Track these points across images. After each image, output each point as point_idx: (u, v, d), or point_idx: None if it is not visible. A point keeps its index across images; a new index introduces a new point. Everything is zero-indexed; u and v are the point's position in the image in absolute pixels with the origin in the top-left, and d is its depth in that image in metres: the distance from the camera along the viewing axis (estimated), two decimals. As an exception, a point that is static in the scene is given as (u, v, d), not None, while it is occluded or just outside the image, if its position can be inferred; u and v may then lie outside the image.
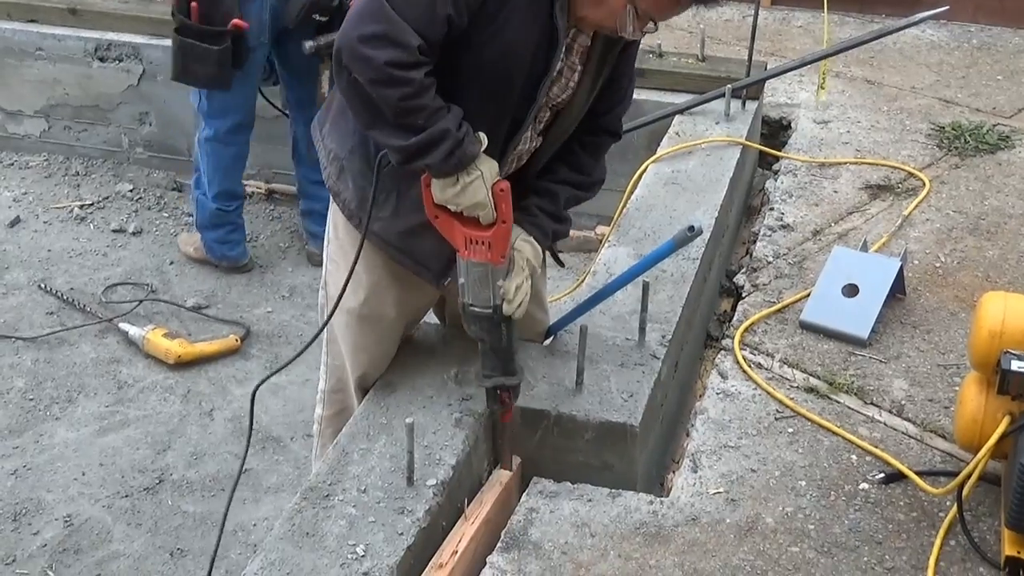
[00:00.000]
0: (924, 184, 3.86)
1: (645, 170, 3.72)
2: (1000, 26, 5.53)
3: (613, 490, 2.42)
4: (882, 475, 2.50)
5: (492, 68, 2.12)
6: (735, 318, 3.14)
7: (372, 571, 2.06)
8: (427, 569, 2.18)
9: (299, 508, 2.21)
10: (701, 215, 3.38)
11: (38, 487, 3.40)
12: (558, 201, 2.38)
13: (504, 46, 2.09)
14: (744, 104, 4.18)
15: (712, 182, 3.61)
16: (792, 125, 4.44)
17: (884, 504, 2.42)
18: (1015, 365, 2.16)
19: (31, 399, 3.79)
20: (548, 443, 2.52)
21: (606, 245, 3.28)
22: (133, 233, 4.80)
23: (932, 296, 3.21)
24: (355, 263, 2.27)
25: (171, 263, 4.60)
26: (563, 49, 2.16)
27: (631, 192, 3.59)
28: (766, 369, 2.90)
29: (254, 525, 3.27)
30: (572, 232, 2.49)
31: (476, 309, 2.25)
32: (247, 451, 2.37)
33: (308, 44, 3.94)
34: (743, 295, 3.26)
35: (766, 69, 4.38)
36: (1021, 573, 2.18)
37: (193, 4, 3.92)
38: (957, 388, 2.62)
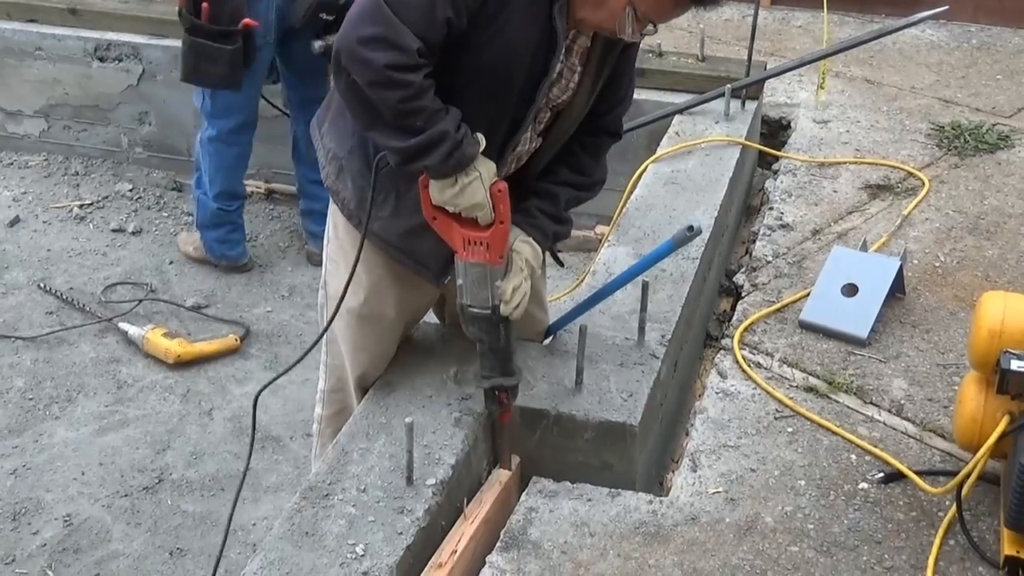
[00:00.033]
0: (924, 184, 3.86)
1: (645, 170, 3.72)
2: (1000, 26, 5.54)
3: (612, 490, 2.42)
4: (881, 474, 2.50)
5: (491, 69, 2.12)
6: (734, 318, 3.14)
7: (371, 570, 2.06)
8: (426, 568, 2.18)
9: (299, 507, 2.21)
10: (701, 215, 3.38)
11: (37, 487, 3.40)
12: (558, 203, 2.37)
13: (503, 47, 2.09)
14: (744, 104, 4.18)
15: (712, 182, 3.61)
16: (792, 125, 4.44)
17: (883, 503, 2.42)
18: (1014, 364, 2.16)
19: (30, 399, 3.79)
20: (547, 443, 2.52)
21: (606, 245, 3.28)
22: (132, 233, 4.80)
23: (931, 296, 3.22)
24: (356, 263, 2.27)
25: (171, 263, 4.60)
26: (562, 51, 2.16)
27: (631, 192, 3.59)
28: (765, 369, 2.90)
29: (253, 524, 3.27)
30: (572, 232, 2.49)
31: (474, 310, 2.25)
32: (250, 455, 2.37)
33: (317, 44, 3.93)
34: (742, 295, 3.26)
35: (766, 69, 4.39)
36: (1020, 573, 2.18)
37: (204, 4, 3.91)
38: (956, 388, 2.62)
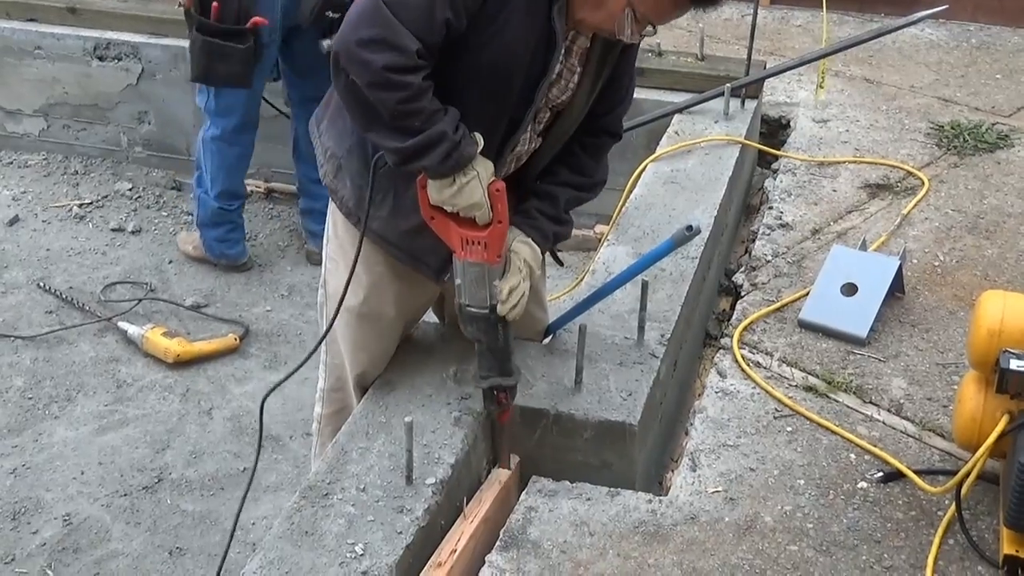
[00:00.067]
0: (923, 183, 3.86)
1: (644, 169, 3.72)
2: (999, 25, 5.54)
3: (612, 489, 2.42)
4: (881, 474, 2.50)
5: (491, 70, 2.11)
6: (734, 317, 3.14)
7: (371, 570, 2.06)
8: (426, 568, 2.18)
9: (298, 507, 2.21)
10: (700, 214, 3.38)
11: (37, 486, 3.40)
12: (558, 203, 2.37)
13: (503, 48, 2.08)
14: (743, 103, 4.18)
15: (711, 181, 3.61)
16: (791, 124, 4.44)
17: (883, 503, 2.42)
18: (1014, 364, 2.16)
19: (30, 398, 3.79)
20: (547, 442, 2.52)
21: (605, 244, 3.28)
22: (132, 232, 4.80)
23: (931, 295, 3.22)
24: (355, 262, 2.27)
25: (170, 262, 4.60)
26: (562, 51, 2.16)
27: (630, 191, 3.59)
28: (765, 368, 2.90)
29: (253, 524, 3.27)
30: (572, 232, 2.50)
31: (472, 309, 2.25)
32: (257, 460, 2.38)
33: (326, 43, 3.91)
34: (742, 294, 3.26)
35: (765, 68, 4.38)
36: (1020, 572, 2.19)
37: (215, 3, 3.89)
38: (956, 387, 2.62)
